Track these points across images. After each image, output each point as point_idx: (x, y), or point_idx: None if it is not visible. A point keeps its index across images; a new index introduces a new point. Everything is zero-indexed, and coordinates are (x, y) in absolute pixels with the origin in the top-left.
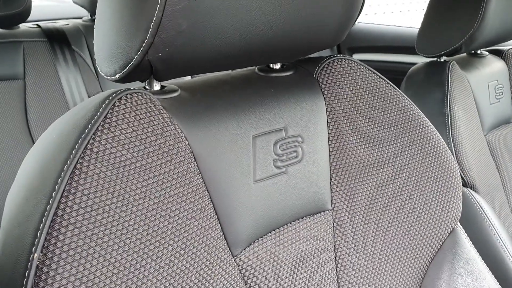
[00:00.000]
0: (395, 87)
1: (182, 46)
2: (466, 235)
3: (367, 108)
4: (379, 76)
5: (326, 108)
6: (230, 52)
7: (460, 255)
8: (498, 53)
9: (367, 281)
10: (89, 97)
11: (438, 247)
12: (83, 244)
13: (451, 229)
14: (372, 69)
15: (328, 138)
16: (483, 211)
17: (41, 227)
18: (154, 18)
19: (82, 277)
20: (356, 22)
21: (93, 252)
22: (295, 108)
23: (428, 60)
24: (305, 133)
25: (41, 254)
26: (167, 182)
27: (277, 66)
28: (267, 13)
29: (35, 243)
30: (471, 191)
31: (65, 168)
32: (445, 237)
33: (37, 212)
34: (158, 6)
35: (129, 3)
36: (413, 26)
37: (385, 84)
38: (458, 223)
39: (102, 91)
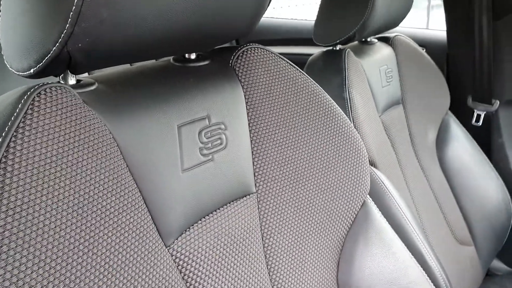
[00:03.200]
0: (305, 73)
1: (104, 36)
2: (376, 206)
3: (281, 93)
4: (290, 64)
5: (244, 95)
6: (150, 42)
7: (372, 226)
8: (386, 40)
9: (292, 256)
10: None
11: (352, 219)
12: (16, 247)
13: (362, 202)
14: (283, 57)
15: (249, 124)
16: (384, 185)
17: None
18: (74, 7)
19: (17, 280)
20: None
21: (27, 254)
22: (215, 96)
23: (325, 49)
24: (227, 120)
25: None
26: (95, 177)
27: (193, 56)
28: (184, 1)
29: None
30: (372, 167)
31: None
32: (358, 210)
33: None
34: None
35: None
36: (309, 19)
37: (295, 71)
38: (368, 196)
39: None
